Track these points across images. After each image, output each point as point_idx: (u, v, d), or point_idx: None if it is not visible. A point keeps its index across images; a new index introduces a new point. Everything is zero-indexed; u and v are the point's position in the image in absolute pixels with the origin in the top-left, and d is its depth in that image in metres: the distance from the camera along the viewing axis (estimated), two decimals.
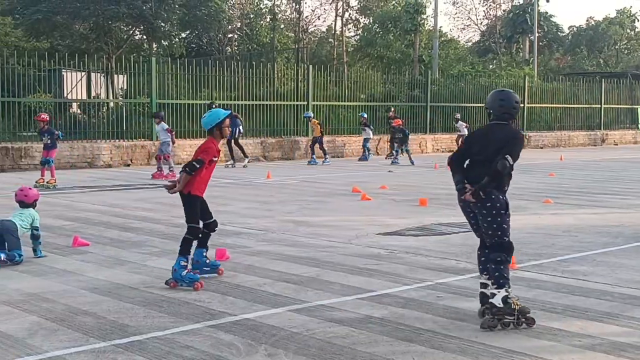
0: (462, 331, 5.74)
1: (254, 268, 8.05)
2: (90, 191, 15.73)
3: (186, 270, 7.19)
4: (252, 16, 56.85)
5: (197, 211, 7.47)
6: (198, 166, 7.28)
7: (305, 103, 27.76)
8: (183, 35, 49.46)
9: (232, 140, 22.25)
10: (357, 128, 29.66)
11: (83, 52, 31.65)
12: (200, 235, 7.52)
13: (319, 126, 24.14)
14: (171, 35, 43.36)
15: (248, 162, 22.55)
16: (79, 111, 26.73)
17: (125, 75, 26.83)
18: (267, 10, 58.37)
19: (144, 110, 24.58)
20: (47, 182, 16.11)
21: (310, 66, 29.08)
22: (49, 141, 16.18)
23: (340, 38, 57.79)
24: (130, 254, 8.82)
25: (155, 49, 43.24)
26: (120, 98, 28.32)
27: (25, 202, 8.68)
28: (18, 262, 8.13)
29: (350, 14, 60.11)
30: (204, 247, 7.65)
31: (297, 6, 57.74)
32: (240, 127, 22.66)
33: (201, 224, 7.58)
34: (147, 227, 10.90)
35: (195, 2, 40.62)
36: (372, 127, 26.43)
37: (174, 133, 19.52)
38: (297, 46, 51.59)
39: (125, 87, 27.86)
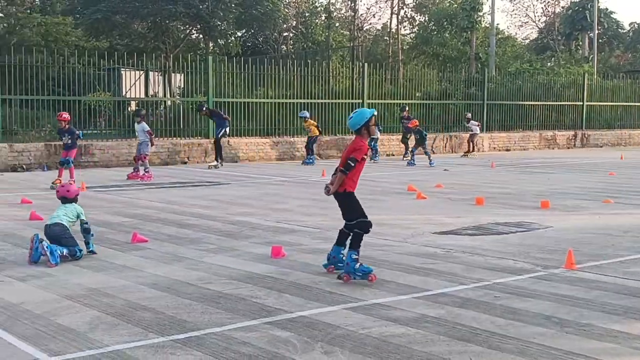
0: (520, 332, 5.67)
1: (310, 266, 8.07)
2: (148, 188, 15.95)
3: (358, 263, 7.30)
4: (307, 14, 57.00)
5: (359, 205, 7.63)
6: (353, 165, 7.44)
7: (360, 101, 27.72)
8: (239, 34, 49.85)
9: (215, 140, 21.75)
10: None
11: (141, 51, 32.11)
12: (370, 228, 7.63)
13: (315, 127, 23.41)
14: (227, 34, 43.73)
15: (216, 165, 21.17)
16: (141, 110, 27.09)
17: (182, 74, 27.14)
18: (322, 8, 58.44)
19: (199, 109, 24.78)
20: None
21: (366, 64, 29.02)
22: (69, 141, 15.84)
23: (396, 36, 57.55)
24: (187, 251, 8.93)
25: (211, 47, 43.65)
26: (177, 96, 28.66)
27: (67, 197, 8.83)
28: (79, 257, 8.29)
29: (405, 11, 59.82)
30: (343, 245, 7.71)
31: (353, 4, 57.65)
32: (227, 129, 21.79)
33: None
34: (204, 224, 11.01)
35: (251, 1, 40.89)
36: (380, 127, 24.87)
37: (153, 135, 18.81)
38: (352, 44, 51.57)
39: (182, 86, 28.19)
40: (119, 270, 7.82)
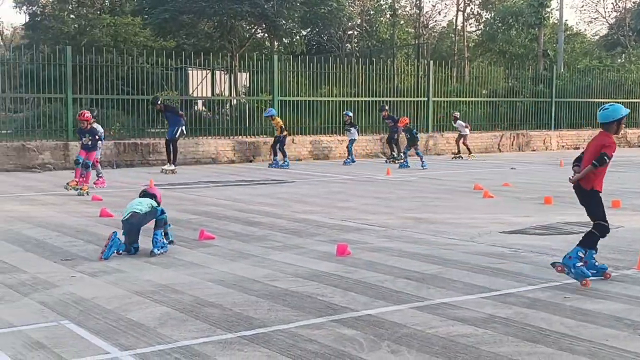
0: (591, 334, 5.55)
1: (375, 264, 8.04)
2: (214, 186, 16.13)
3: (581, 263, 7.13)
4: (372, 13, 56.80)
5: (603, 207, 7.32)
6: (607, 160, 7.15)
7: (426, 99, 27.55)
8: (304, 32, 49.96)
9: (170, 141, 19.36)
10: (477, 124, 29.19)
11: (207, 50, 32.46)
12: (606, 234, 7.25)
13: (281, 126, 21.62)
14: (292, 32, 43.87)
15: (173, 170, 18.97)
16: (203, 108, 27.48)
17: (248, 73, 27.37)
18: (387, 6, 58.16)
19: (266, 107, 24.98)
20: (80, 187, 14.28)
21: (431, 62, 28.82)
22: (89, 142, 14.61)
23: (461, 33, 56.97)
24: (253, 248, 9.00)
25: (276, 46, 43.90)
26: (242, 95, 28.91)
27: (148, 192, 9.00)
28: (133, 253, 8.49)
29: (471, 8, 59.14)
30: (594, 248, 7.31)
31: (418, 2, 57.27)
32: (183, 128, 19.62)
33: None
34: (269, 221, 11.08)
35: (316, 0, 40.95)
36: (357, 127, 23.47)
37: (103, 141, 16.77)
38: (417, 42, 51.25)
39: (247, 85, 28.42)
40: (187, 266, 7.93)
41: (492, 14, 56.63)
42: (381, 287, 7.02)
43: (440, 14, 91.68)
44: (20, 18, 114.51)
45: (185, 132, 20.16)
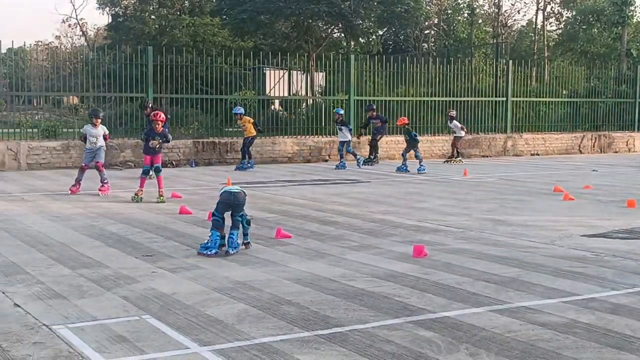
0: None
1: (452, 266, 7.96)
2: (290, 185, 16.23)
3: None
4: (449, 12, 56.33)
5: None
6: None
7: (504, 99, 27.13)
8: (380, 32, 49.87)
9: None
10: (558, 125, 28.63)
11: (284, 50, 32.73)
12: None
13: (252, 125, 19.98)
14: (369, 32, 43.87)
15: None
16: (280, 108, 27.69)
17: (324, 73, 27.44)
18: (465, 5, 57.59)
19: (342, 107, 25.00)
20: (159, 196, 13.14)
21: (510, 61, 28.37)
22: (157, 146, 13.37)
23: (541, 32, 55.94)
24: (330, 247, 9.01)
25: (352, 46, 43.93)
26: (318, 95, 29.02)
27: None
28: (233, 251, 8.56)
29: (552, 7, 58.00)
30: None
31: (497, 0, 56.52)
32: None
33: None
34: (345, 221, 11.08)
35: None
36: (350, 127, 21.56)
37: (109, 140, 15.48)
38: (495, 41, 50.55)
39: (323, 84, 28.51)
40: (264, 264, 7.99)
41: (573, 13, 55.45)
42: (459, 289, 6.95)
43: (519, 13, 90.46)
44: (103, 19, 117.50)
45: (170, 139, 17.24)
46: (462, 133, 23.15)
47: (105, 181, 14.06)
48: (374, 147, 22.02)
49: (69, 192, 14.00)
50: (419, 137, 20.88)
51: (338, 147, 21.23)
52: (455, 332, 5.61)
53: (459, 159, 22.84)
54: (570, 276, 7.48)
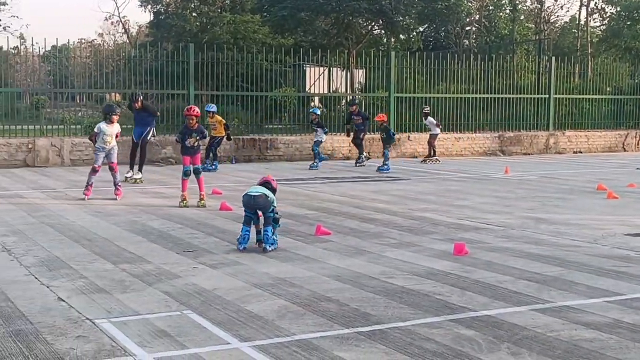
0: None
1: (493, 264, 7.90)
2: (330, 182, 16.24)
3: None
4: (491, 8, 55.83)
5: None
6: None
7: (547, 96, 26.84)
8: (421, 29, 49.63)
9: (141, 144, 16.02)
10: (601, 122, 28.22)
11: (324, 47, 32.74)
12: None
13: (223, 125, 18.91)
14: (409, 29, 43.68)
15: (139, 177, 15.69)
16: (319, 105, 27.71)
17: (364, 70, 27.40)
18: (507, 1, 57.01)
19: (381, 104, 24.97)
20: (200, 201, 12.24)
21: (553, 58, 28.04)
22: (196, 144, 12.37)
23: (585, 28, 55.17)
24: (369, 245, 9.00)
25: (392, 43, 43.79)
26: (358, 92, 28.98)
27: (269, 183, 9.01)
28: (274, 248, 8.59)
29: (596, 3, 57.14)
30: None
31: None
32: (154, 129, 16.54)
33: None
34: (385, 218, 11.06)
35: None
36: (326, 129, 20.84)
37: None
38: (538, 37, 50.00)
39: (363, 81, 28.47)
40: (304, 261, 8.01)
41: (617, 9, 54.56)
42: (500, 287, 6.89)
43: (562, 9, 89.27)
44: (145, 17, 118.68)
45: (155, 135, 17.23)
46: (438, 130, 22.07)
47: (119, 184, 13.00)
48: (359, 146, 20.57)
49: (84, 196, 12.73)
50: (396, 136, 20.20)
51: (312, 147, 20.28)
52: (496, 330, 5.56)
53: (435, 157, 21.77)
54: (613, 275, 7.37)
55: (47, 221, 10.52)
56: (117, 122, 13.13)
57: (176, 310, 6.06)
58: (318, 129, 20.24)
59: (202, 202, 12.16)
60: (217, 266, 7.71)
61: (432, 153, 22.00)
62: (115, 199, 12.68)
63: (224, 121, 19.18)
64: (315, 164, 19.58)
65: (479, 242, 9.14)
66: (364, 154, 20.59)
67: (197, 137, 12.30)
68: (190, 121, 12.30)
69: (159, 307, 6.14)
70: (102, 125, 13.00)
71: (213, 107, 19.12)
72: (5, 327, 5.55)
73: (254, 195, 8.59)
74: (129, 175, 15.68)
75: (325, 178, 17.06)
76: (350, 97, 22.26)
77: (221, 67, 22.47)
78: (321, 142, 20.18)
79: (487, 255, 8.38)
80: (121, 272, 7.38)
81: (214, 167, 18.65)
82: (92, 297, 6.44)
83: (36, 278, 7.12)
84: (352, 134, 20.73)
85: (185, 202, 12.12)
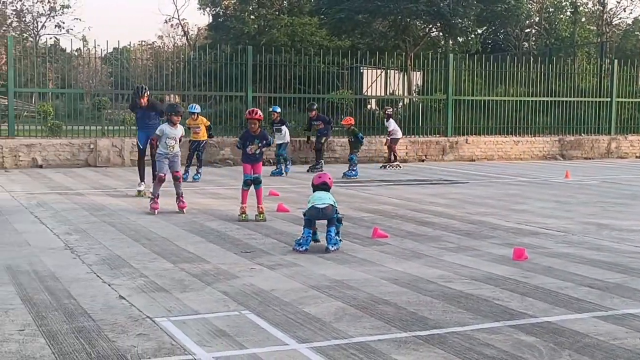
0: None
1: (554, 270, 7.76)
2: (386, 185, 16.18)
3: None
4: (551, 10, 55.03)
5: None
6: None
7: (609, 100, 26.34)
8: (479, 31, 49.16)
9: (144, 153, 13.90)
10: None
11: (381, 49, 32.65)
12: None
13: (206, 129, 16.98)
14: (467, 31, 43.30)
15: (144, 190, 13.66)
16: (376, 107, 27.66)
17: (421, 72, 27.26)
18: (568, 3, 56.14)
19: (439, 107, 24.82)
20: (259, 214, 10.94)
21: (615, 61, 27.50)
22: (258, 150, 11.00)
23: None
24: (427, 248, 8.93)
25: (450, 45, 43.47)
26: (415, 94, 28.85)
27: (328, 185, 9.06)
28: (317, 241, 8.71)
29: None
30: None
31: None
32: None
33: None
34: (443, 222, 10.97)
35: None
36: (289, 125, 19.42)
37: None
38: (599, 40, 49.10)
39: (420, 84, 28.33)
40: (361, 263, 7.99)
41: None
42: (561, 294, 6.77)
43: (625, 11, 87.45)
44: (204, 19, 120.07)
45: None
46: (399, 135, 20.79)
47: (182, 195, 11.61)
48: (319, 151, 19.33)
49: (153, 211, 11.34)
50: (365, 140, 19.48)
51: (275, 152, 18.39)
52: (557, 337, 5.47)
53: (396, 163, 20.52)
54: None
55: (108, 220, 10.70)
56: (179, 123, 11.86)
57: (234, 310, 6.10)
58: (282, 127, 18.33)
59: (262, 216, 10.84)
60: (275, 267, 7.74)
61: (392, 158, 20.74)
62: (182, 212, 11.38)
63: (209, 123, 17.36)
64: (277, 169, 17.90)
65: (538, 247, 9.00)
66: (322, 161, 19.24)
67: (259, 145, 10.93)
68: (253, 125, 10.91)
69: (218, 307, 6.19)
70: (165, 127, 11.64)
71: (197, 108, 16.79)
72: (69, 324, 5.66)
73: (322, 208, 8.63)
74: (141, 188, 13.66)
75: (381, 181, 17.01)
76: (308, 103, 20.42)
77: (278, 69, 22.58)
78: (286, 144, 18.35)
79: (547, 260, 8.25)
80: (180, 272, 7.46)
81: (199, 175, 16.41)
82: (152, 295, 6.53)
83: (98, 276, 7.25)
84: (313, 139, 19.56)
85: (245, 215, 10.83)
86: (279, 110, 19.03)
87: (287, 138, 18.50)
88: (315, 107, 19.64)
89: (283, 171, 17.99)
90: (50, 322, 5.71)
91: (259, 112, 11.10)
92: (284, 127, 18.53)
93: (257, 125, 10.95)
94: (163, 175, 11.61)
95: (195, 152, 16.76)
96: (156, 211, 11.36)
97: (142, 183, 13.77)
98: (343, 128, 19.89)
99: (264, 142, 10.99)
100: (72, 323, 5.69)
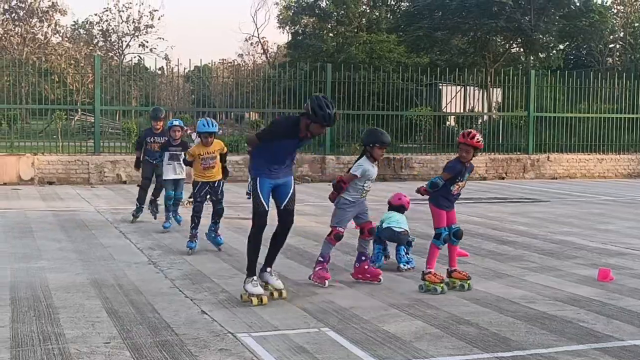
0: None
1: None
2: (466, 203, 15.98)
3: None
4: (636, 25, 53.67)
5: None
6: None
7: None
8: (561, 46, 48.29)
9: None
10: None
11: (460, 66, 32.38)
12: None
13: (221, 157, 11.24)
14: (549, 47, 42.58)
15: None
16: (454, 124, 27.43)
17: (501, 88, 26.92)
18: None
19: (519, 124, 24.45)
20: None
21: None
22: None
23: None
24: (508, 268, 8.79)
25: (531, 61, 42.80)
26: (495, 111, 28.52)
27: (405, 207, 9.13)
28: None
29: None
30: None
31: None
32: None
33: None
34: (524, 241, 10.78)
35: (577, 13, 39.33)
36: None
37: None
38: None
39: (500, 100, 27.97)
40: None
41: None
42: None
43: None
44: (283, 37, 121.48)
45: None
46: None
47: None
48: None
49: (321, 283, 7.77)
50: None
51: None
52: None
53: None
54: None
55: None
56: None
57: (314, 327, 6.12)
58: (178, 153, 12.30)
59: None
60: (354, 285, 7.74)
61: None
62: None
63: (225, 149, 11.86)
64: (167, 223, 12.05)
65: (624, 268, 8.76)
66: None
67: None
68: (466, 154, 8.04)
69: (298, 323, 6.21)
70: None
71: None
72: (153, 337, 5.78)
73: (399, 232, 8.64)
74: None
75: (461, 198, 16.75)
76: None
77: (357, 87, 22.63)
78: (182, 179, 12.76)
79: (633, 282, 8.02)
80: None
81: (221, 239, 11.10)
82: (233, 311, 6.60)
83: (180, 291, 7.38)
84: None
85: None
86: (182, 124, 12.49)
87: (183, 171, 12.95)
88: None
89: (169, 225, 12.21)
90: (135, 335, 5.84)
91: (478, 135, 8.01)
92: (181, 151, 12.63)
93: (470, 154, 8.02)
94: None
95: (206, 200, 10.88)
96: (326, 282, 7.86)
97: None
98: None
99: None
100: (156, 337, 5.80)
